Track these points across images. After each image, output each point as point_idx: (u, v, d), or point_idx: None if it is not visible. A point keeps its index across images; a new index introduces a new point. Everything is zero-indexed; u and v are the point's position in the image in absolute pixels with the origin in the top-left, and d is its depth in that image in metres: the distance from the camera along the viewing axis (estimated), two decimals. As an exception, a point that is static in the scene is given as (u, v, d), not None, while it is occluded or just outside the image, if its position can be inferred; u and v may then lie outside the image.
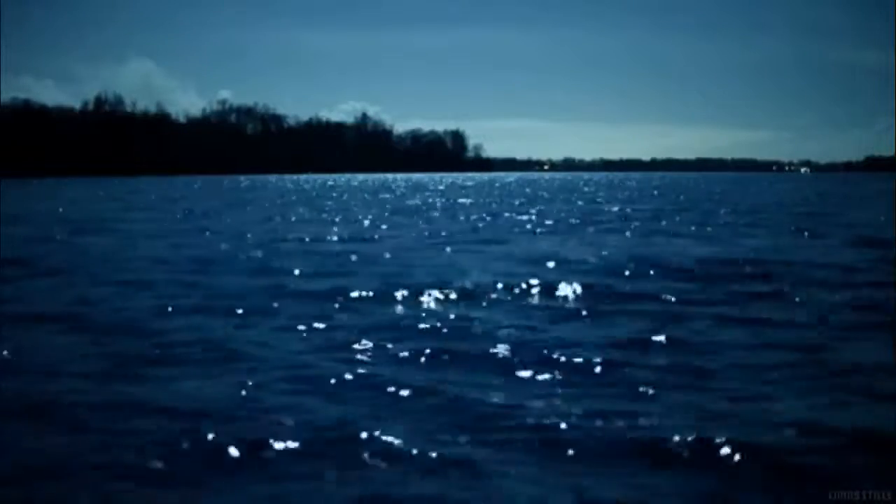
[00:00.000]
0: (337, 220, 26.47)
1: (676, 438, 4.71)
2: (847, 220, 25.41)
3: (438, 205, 37.57)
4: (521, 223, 25.05)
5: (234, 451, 4.61)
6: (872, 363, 6.58)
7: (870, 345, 7.35)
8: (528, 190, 62.93)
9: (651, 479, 4.36)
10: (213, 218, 27.13)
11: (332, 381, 6.06)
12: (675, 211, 31.58)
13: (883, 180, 72.53)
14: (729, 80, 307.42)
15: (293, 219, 26.89)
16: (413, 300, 9.69)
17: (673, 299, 9.59)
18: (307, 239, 18.67)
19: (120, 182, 78.99)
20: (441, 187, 68.87)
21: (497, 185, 78.84)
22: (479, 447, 4.72)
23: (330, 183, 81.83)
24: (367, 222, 25.19)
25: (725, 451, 4.58)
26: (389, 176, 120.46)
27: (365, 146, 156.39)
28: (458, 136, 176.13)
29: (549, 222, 25.25)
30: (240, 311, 8.91)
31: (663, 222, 24.85)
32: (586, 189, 65.68)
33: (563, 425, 5.02)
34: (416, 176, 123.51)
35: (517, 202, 40.56)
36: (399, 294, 9.93)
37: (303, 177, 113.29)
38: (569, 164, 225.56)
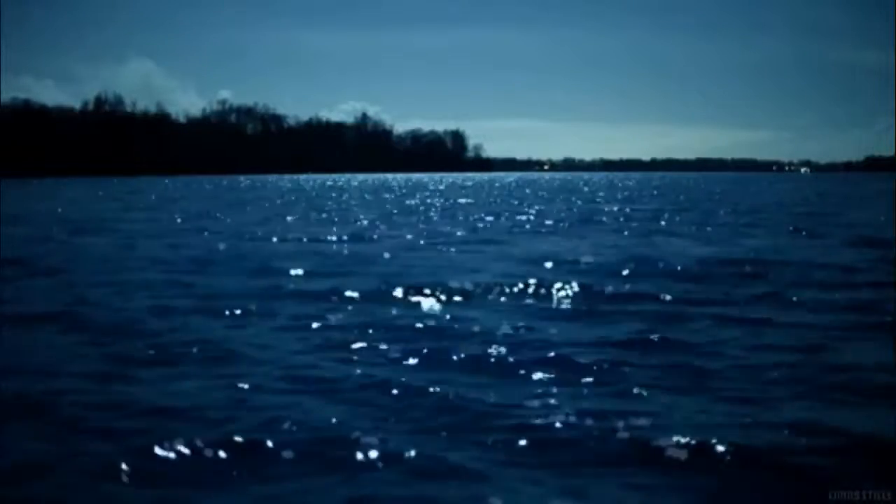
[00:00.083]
0: (336, 220, 26.46)
1: (675, 439, 4.69)
2: (847, 220, 25.40)
3: (438, 205, 37.57)
4: (520, 223, 25.05)
5: (231, 452, 4.60)
6: (872, 364, 6.56)
7: (869, 345, 7.34)
8: (527, 190, 62.93)
9: (649, 480, 4.35)
10: (212, 218, 27.13)
11: (330, 381, 6.05)
12: (675, 211, 31.58)
13: (883, 180, 72.54)
14: (729, 80, 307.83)
15: (292, 219, 26.88)
16: (411, 300, 9.68)
17: (672, 299, 9.57)
18: (306, 239, 18.67)
19: (120, 182, 78.99)
20: (441, 187, 68.86)
21: (497, 185, 78.84)
22: (476, 448, 4.70)
23: (330, 183, 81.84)
24: (366, 222, 25.19)
25: (725, 451, 4.56)
26: (389, 176, 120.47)
27: (365, 146, 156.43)
28: (458, 136, 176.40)
29: (548, 222, 25.24)
30: (238, 312, 8.90)
31: (663, 222, 24.84)
32: (586, 189, 65.67)
33: (560, 427, 5.01)
34: (415, 176, 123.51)
35: (517, 202, 40.55)
36: (397, 294, 9.92)
37: (303, 177, 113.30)
38: (569, 164, 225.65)
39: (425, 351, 6.95)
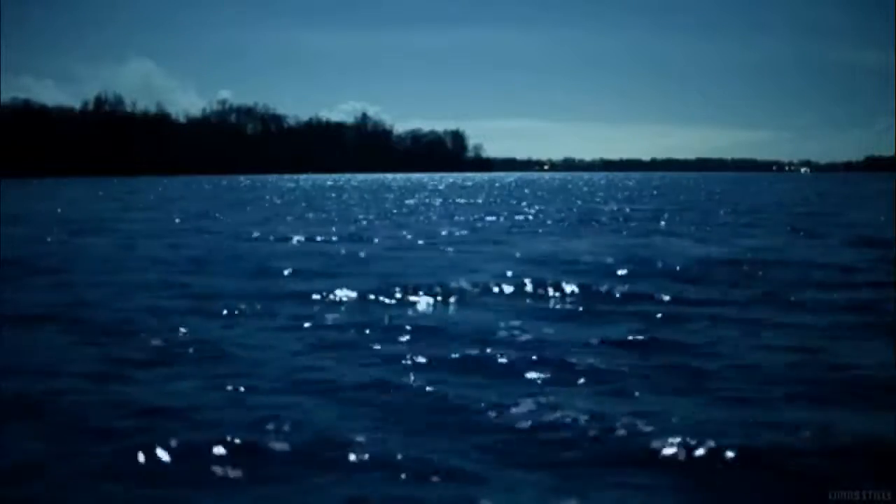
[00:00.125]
0: (335, 220, 26.45)
1: (675, 440, 4.69)
2: (847, 220, 25.40)
3: (437, 205, 37.56)
4: (519, 223, 25.05)
5: (228, 452, 4.58)
6: (871, 364, 6.56)
7: (869, 345, 7.34)
8: (527, 190, 62.92)
9: (648, 480, 4.34)
10: (211, 218, 27.12)
11: (327, 382, 6.05)
12: (675, 211, 31.58)
13: (883, 180, 72.52)
14: (729, 80, 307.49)
15: (291, 219, 26.87)
16: (409, 300, 9.68)
17: (670, 300, 9.57)
18: (304, 239, 18.67)
19: (120, 182, 78.96)
20: (440, 187, 68.86)
21: (497, 185, 78.83)
22: (473, 449, 4.70)
23: (329, 183, 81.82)
24: (365, 222, 25.19)
25: (724, 452, 4.56)
26: (389, 176, 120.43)
27: (365, 146, 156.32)
28: (458, 136, 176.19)
29: (548, 222, 25.24)
30: (235, 312, 8.91)
31: (662, 222, 24.84)
32: (586, 189, 65.66)
33: (558, 427, 5.00)
34: (415, 176, 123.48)
35: (516, 202, 40.55)
36: (394, 294, 9.92)
37: (302, 177, 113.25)
38: (569, 164, 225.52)
39: (423, 351, 6.95)
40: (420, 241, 18.12)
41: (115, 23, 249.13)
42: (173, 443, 4.69)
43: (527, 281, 10.61)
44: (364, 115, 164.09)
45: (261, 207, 35.36)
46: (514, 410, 5.34)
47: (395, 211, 32.03)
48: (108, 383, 6.11)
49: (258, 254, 15.15)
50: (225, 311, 8.92)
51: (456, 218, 27.51)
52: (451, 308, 9.30)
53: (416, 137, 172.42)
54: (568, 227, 23.42)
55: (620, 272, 12.01)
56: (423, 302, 9.62)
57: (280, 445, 4.70)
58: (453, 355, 6.81)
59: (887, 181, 62.60)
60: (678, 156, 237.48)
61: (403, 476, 4.33)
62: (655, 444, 4.67)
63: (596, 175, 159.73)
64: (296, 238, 18.79)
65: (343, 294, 9.91)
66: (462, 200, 42.57)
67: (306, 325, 8.15)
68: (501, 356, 6.78)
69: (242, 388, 5.87)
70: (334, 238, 18.99)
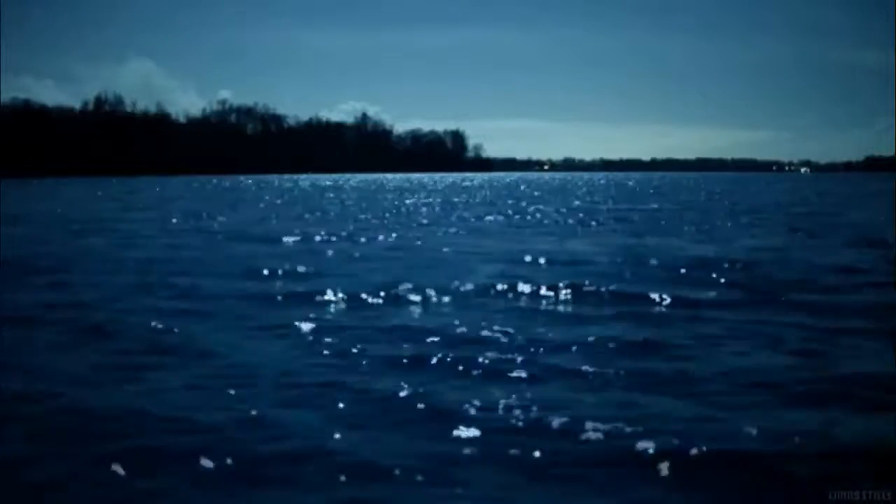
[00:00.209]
0: (332, 220, 26.44)
1: (674, 441, 4.68)
2: (847, 220, 25.40)
3: (436, 205, 37.55)
4: (518, 223, 25.04)
5: (215, 454, 4.56)
6: (871, 365, 6.55)
7: (869, 346, 7.32)
8: (526, 190, 62.92)
9: (648, 482, 4.32)
10: (210, 218, 27.11)
11: (316, 385, 6.03)
12: (674, 211, 31.57)
13: (883, 180, 72.53)
14: (729, 80, 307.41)
15: (290, 219, 26.85)
16: (403, 301, 9.67)
17: (668, 300, 9.54)
18: (302, 239, 18.66)
19: (119, 182, 79.00)
20: (440, 187, 68.86)
21: (496, 185, 78.85)
22: (458, 451, 4.68)
23: (329, 183, 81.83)
24: (364, 223, 25.17)
25: (724, 452, 4.54)
26: (389, 176, 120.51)
27: (365, 146, 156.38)
28: (458, 136, 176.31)
29: (546, 222, 25.23)
30: (233, 314, 8.92)
31: (662, 222, 24.82)
32: (585, 189, 65.67)
33: (550, 432, 4.98)
34: (415, 176, 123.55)
35: (515, 202, 40.54)
36: (389, 295, 9.90)
37: (302, 177, 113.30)
38: (569, 164, 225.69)
39: (414, 352, 6.94)
40: (418, 242, 18.10)
41: (115, 23, 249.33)
42: (160, 445, 4.69)
43: (523, 281, 10.58)
44: (364, 115, 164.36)
45: (259, 208, 35.35)
46: (501, 412, 5.33)
47: (393, 211, 32.02)
48: (100, 385, 6.11)
49: (255, 254, 15.14)
50: (220, 313, 8.92)
51: (454, 218, 27.50)
52: (445, 308, 9.27)
53: (415, 137, 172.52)
54: (566, 226, 23.40)
55: (618, 272, 12.00)
56: (417, 302, 9.61)
57: (267, 448, 4.69)
58: (444, 356, 6.77)
59: (887, 181, 62.59)
60: (678, 156, 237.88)
61: (389, 477, 4.32)
62: (654, 445, 4.65)
63: (596, 175, 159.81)
64: (292, 238, 18.78)
65: (337, 295, 9.89)
66: (461, 200, 42.55)
67: (299, 326, 8.12)
68: (491, 357, 6.75)
69: (231, 392, 5.85)
70: (331, 238, 18.97)
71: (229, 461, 4.50)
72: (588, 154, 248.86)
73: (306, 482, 4.30)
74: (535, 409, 5.38)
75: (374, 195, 50.41)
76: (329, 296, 9.84)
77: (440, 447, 4.73)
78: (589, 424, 4.99)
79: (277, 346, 7.43)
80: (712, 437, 4.72)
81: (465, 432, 4.94)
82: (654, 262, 13.23)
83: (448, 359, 6.71)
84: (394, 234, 19.99)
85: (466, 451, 4.69)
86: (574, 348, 7.11)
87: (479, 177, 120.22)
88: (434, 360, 6.69)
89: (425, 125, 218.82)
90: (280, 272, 12.26)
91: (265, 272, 12.29)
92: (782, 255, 14.42)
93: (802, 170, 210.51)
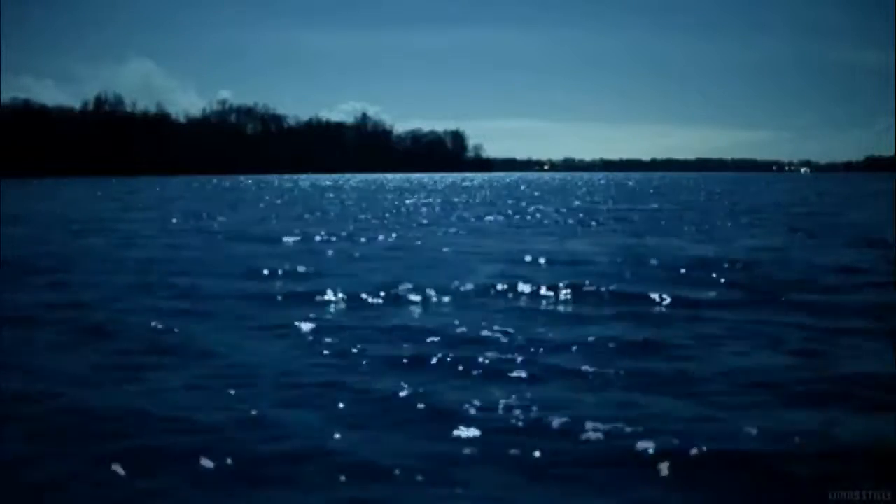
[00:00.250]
0: (334, 220, 26.44)
1: (674, 441, 4.68)
2: (847, 220, 25.39)
3: (436, 205, 37.54)
4: (518, 223, 25.03)
5: (214, 454, 4.56)
6: (871, 365, 6.54)
7: (869, 346, 7.31)
8: (526, 190, 62.90)
9: (648, 482, 4.32)
10: (210, 218, 27.11)
11: (316, 385, 6.02)
12: (674, 211, 31.56)
13: (883, 180, 72.52)
14: (729, 80, 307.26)
15: (290, 219, 26.85)
16: (404, 301, 9.67)
17: (668, 300, 9.54)
18: (302, 239, 18.66)
19: (119, 182, 78.98)
20: (440, 187, 68.85)
21: (496, 185, 78.82)
22: (460, 454, 4.67)
23: (329, 183, 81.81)
24: (364, 223, 25.16)
25: (724, 452, 4.54)
26: (389, 176, 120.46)
27: (365, 146, 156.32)
28: (458, 136, 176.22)
29: (546, 222, 25.23)
30: (233, 314, 8.91)
31: (662, 222, 24.82)
32: (585, 189, 65.65)
33: (550, 432, 4.97)
34: (415, 176, 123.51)
35: (515, 202, 40.53)
36: (389, 295, 9.89)
37: (302, 177, 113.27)
38: (569, 164, 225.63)
39: (413, 352, 6.93)
40: (418, 242, 18.09)
41: (115, 23, 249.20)
42: (160, 445, 4.69)
43: (521, 281, 10.58)
44: (364, 115, 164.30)
45: (259, 207, 35.34)
46: (501, 412, 5.33)
47: (392, 211, 32.01)
48: (100, 385, 6.11)
49: (254, 254, 15.14)
50: (219, 313, 8.91)
51: (454, 218, 27.49)
52: (445, 308, 9.27)
53: (415, 137, 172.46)
54: (566, 226, 23.39)
55: (618, 272, 11.99)
56: (417, 302, 9.60)
57: (267, 448, 4.69)
58: (444, 356, 6.77)
59: (887, 181, 62.58)
60: (678, 156, 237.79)
61: (389, 477, 4.32)
62: (654, 445, 4.65)
63: (596, 175, 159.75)
64: (292, 238, 18.78)
65: (336, 295, 9.88)
66: (461, 200, 42.54)
67: (299, 326, 8.12)
68: (491, 357, 6.75)
69: (230, 392, 5.85)
70: (330, 238, 18.97)
71: (229, 461, 4.50)
72: (588, 154, 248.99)
73: (306, 482, 4.30)
74: (535, 409, 5.38)
75: (374, 195, 50.38)
76: (329, 296, 9.85)
77: (440, 447, 4.73)
78: (589, 424, 4.98)
79: (277, 346, 7.43)
80: (712, 437, 4.72)
81: (465, 432, 4.94)
82: (654, 262, 13.22)
83: (448, 359, 6.70)
84: (394, 234, 19.99)
85: (466, 451, 4.69)
86: (574, 348, 7.11)
87: (479, 177, 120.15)
88: (434, 360, 6.69)
89: (425, 125, 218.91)
90: (280, 272, 12.27)
91: (265, 272, 12.28)
92: (782, 255, 14.41)
93: (802, 170, 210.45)
